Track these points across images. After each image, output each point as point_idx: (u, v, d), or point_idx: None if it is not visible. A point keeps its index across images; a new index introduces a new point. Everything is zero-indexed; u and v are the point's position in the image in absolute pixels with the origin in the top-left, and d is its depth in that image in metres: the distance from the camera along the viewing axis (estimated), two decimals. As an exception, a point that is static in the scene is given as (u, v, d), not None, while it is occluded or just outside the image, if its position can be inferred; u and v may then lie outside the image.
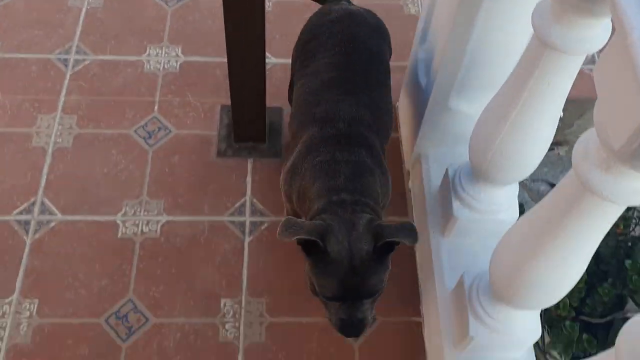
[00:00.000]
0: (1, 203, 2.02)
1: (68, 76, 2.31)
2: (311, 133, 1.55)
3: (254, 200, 2.07)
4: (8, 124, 2.19)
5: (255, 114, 2.07)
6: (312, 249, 1.34)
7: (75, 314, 1.84)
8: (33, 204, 2.03)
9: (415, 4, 2.62)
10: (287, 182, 1.60)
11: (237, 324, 1.85)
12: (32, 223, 1.99)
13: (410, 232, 1.33)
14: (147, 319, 1.84)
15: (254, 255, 1.96)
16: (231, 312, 1.86)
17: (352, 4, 1.87)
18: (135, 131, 2.20)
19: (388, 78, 1.74)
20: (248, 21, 1.68)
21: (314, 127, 1.55)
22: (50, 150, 2.14)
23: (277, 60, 2.37)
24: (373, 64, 1.68)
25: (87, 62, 2.35)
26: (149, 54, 2.39)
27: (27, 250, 1.94)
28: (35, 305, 1.84)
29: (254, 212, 2.04)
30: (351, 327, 1.38)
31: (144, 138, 2.18)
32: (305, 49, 1.75)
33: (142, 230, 1.99)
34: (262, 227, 2.02)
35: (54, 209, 2.02)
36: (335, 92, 1.59)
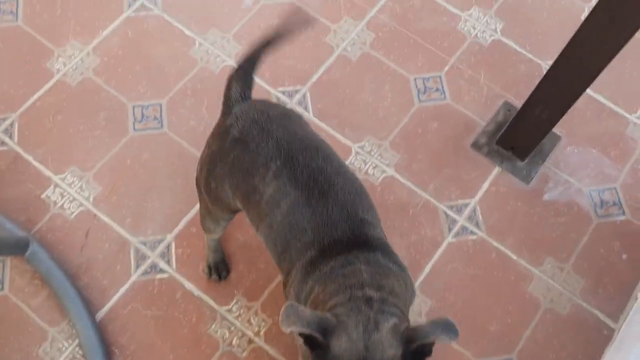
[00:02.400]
0: (274, 76, 2.15)
1: (388, -5, 2.33)
2: (310, 255, 1.28)
3: (478, 208, 1.97)
4: (316, 10, 2.29)
5: (538, 127, 1.91)
6: (316, 343, 1.11)
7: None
8: (296, 91, 2.14)
9: None
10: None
11: (394, 305, 1.84)
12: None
13: (448, 327, 1.10)
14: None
15: (446, 257, 1.90)
16: (396, 292, 1.85)
17: (244, 98, 1.47)
18: (415, 79, 2.17)
19: (339, 158, 1.42)
20: (612, 31, 1.49)
21: (311, 250, 1.29)
22: (336, 53, 2.21)
23: (590, 91, 2.15)
24: (320, 156, 1.36)
25: None
26: (471, 14, 2.30)
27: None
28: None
29: (471, 218, 1.96)
30: None
31: (418, 90, 2.15)
32: (231, 186, 1.41)
33: (367, 170, 2.02)
34: (470, 238, 1.93)
35: (310, 104, 2.11)
36: (312, 210, 1.30)
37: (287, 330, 1.07)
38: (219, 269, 1.84)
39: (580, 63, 1.61)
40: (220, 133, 1.43)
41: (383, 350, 1.09)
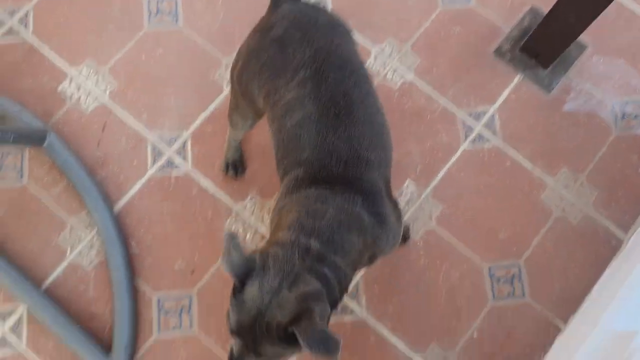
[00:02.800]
0: None
1: None
2: (297, 174, 1.27)
3: (496, 116, 1.95)
4: None
5: (565, 33, 1.84)
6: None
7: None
8: None
9: None
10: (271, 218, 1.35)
11: (406, 208, 1.86)
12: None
13: (329, 349, 1.01)
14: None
15: (460, 163, 1.90)
16: (407, 197, 1.87)
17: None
18: (439, -20, 2.09)
19: (372, 87, 1.36)
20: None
21: (300, 168, 1.27)
22: (359, -50, 2.11)
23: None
24: (352, 79, 1.31)
25: None
26: None
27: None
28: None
29: (488, 126, 1.94)
30: None
31: (443, -8, 2.08)
32: (259, 83, 1.37)
33: (385, 74, 1.98)
34: (485, 145, 1.92)
35: (329, 1, 2.04)
36: (319, 130, 1.26)
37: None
38: (236, 165, 1.86)
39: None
40: (262, 29, 1.39)
41: (281, 312, 1.07)
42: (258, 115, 1.53)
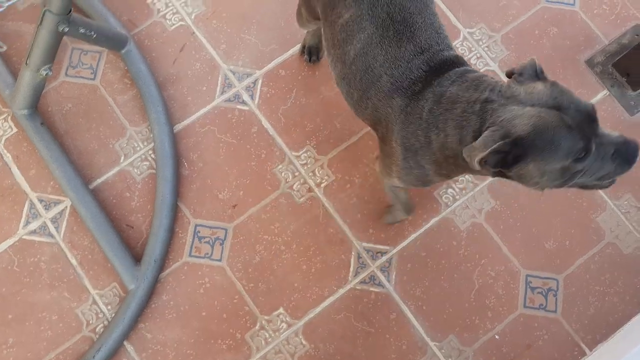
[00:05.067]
0: None
1: None
2: (397, 103, 1.27)
3: (573, 126, 1.88)
4: None
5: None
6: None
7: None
8: None
9: None
10: None
11: (457, 197, 1.82)
12: None
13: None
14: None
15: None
16: (463, 183, 1.83)
17: None
18: (547, -23, 2.02)
19: None
20: None
21: (394, 98, 1.27)
22: None
23: None
24: None
25: None
26: None
27: None
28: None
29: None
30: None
31: (547, -11, 2.00)
32: None
33: (469, 59, 1.93)
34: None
35: None
36: (383, 52, 1.27)
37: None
38: (312, 52, 1.88)
39: None
40: None
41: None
42: (316, 18, 1.52)
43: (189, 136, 1.85)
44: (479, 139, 1.08)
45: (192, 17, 1.95)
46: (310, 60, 1.89)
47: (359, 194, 1.82)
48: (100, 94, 1.88)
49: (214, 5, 1.97)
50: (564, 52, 1.95)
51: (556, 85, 1.12)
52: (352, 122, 1.87)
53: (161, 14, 1.95)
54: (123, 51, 1.84)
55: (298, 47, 1.92)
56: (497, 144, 1.06)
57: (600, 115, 1.86)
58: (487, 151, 1.06)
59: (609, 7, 1.99)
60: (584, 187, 1.20)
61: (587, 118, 1.09)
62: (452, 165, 1.23)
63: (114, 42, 1.82)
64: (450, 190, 1.83)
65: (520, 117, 1.07)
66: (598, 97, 1.91)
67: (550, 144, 1.06)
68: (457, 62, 1.27)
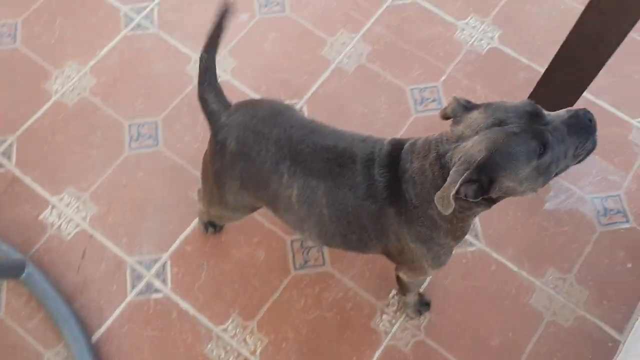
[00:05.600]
0: (269, 89, 2.14)
1: (384, 7, 2.31)
2: (385, 212, 1.35)
3: (477, 219, 1.94)
4: (313, 23, 2.28)
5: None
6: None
7: (271, 220, 1.93)
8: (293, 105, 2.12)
9: None
10: None
11: (393, 321, 1.80)
12: (283, 121, 2.09)
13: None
14: (324, 263, 1.88)
15: (445, 269, 1.87)
16: (395, 306, 1.82)
17: (225, 106, 1.45)
18: (411, 89, 2.15)
19: (331, 127, 1.42)
20: (598, 43, 1.46)
21: (380, 210, 1.34)
22: (332, 67, 2.20)
23: (587, 94, 2.11)
24: (321, 137, 1.37)
25: (407, 2, 2.31)
26: (467, 23, 2.27)
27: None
28: (247, 193, 1.97)
29: (470, 230, 1.92)
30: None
31: (415, 100, 2.13)
32: (251, 196, 1.47)
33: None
34: (469, 249, 1.89)
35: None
36: (344, 189, 1.33)
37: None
38: (211, 224, 1.88)
39: (574, 67, 1.58)
40: (217, 150, 1.41)
41: None
42: (253, 211, 1.61)
43: (110, 341, 1.78)
44: (447, 181, 1.15)
45: (87, 220, 1.94)
46: (216, 230, 1.90)
47: (297, 349, 1.77)
48: (8, 326, 1.80)
49: (107, 203, 1.97)
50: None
51: (488, 105, 1.20)
52: (271, 276, 1.85)
53: (55, 226, 1.93)
54: (23, 276, 1.79)
55: (197, 221, 1.92)
56: (464, 175, 1.12)
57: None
58: (457, 185, 1.12)
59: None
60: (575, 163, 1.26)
61: (530, 115, 1.16)
62: (460, 222, 1.30)
63: (12, 271, 1.78)
64: (384, 316, 1.81)
65: (472, 147, 1.15)
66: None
67: (509, 156, 1.13)
68: (397, 143, 1.34)
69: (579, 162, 1.25)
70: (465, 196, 1.16)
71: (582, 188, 1.98)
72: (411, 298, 1.75)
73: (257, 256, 1.88)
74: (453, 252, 1.45)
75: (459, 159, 1.16)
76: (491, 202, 1.24)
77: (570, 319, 1.80)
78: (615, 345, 1.76)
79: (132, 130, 2.08)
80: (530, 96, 1.71)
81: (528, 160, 1.13)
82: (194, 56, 2.20)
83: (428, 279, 1.79)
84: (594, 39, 1.48)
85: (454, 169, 1.15)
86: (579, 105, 1.73)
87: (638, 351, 1.62)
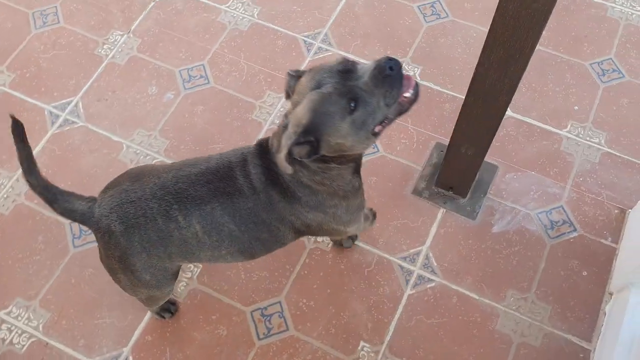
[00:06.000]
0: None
1: (307, 62, 2.35)
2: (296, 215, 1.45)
3: (430, 254, 1.95)
4: (238, 90, 2.30)
5: (469, 164, 1.91)
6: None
7: (228, 294, 1.91)
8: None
9: None
10: None
11: (365, 374, 1.78)
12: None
13: None
14: (287, 328, 1.85)
15: (408, 311, 1.86)
16: (365, 359, 1.80)
17: (89, 201, 1.43)
18: (345, 138, 2.17)
19: (201, 159, 1.48)
20: (508, 67, 1.50)
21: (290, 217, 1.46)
22: (264, 128, 2.21)
23: (514, 114, 2.17)
24: (197, 172, 1.43)
25: (328, 54, 2.36)
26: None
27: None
28: (198, 271, 1.95)
29: (426, 266, 1.93)
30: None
31: (350, 148, 2.15)
32: (167, 257, 1.46)
33: (315, 239, 1.99)
34: (428, 286, 1.90)
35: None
36: (239, 204, 1.40)
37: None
38: (165, 309, 1.86)
39: (487, 96, 1.62)
40: (108, 241, 1.39)
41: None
42: (175, 273, 1.59)
43: None
44: (280, 145, 1.26)
45: (40, 328, 1.88)
46: (172, 315, 1.87)
47: (273, 421, 1.72)
48: None
49: (58, 307, 1.91)
50: (391, 193, 2.06)
51: (311, 70, 1.27)
52: (237, 353, 1.81)
53: (7, 341, 1.86)
54: (-22, 401, 1.71)
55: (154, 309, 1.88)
56: (292, 139, 1.22)
57: (448, 230, 1.97)
58: (286, 148, 1.23)
59: (407, 139, 2.16)
60: (400, 114, 1.29)
61: (342, 74, 1.23)
62: (333, 181, 1.39)
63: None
64: (356, 369, 1.79)
65: (299, 112, 1.24)
66: (438, 217, 2.01)
67: (325, 115, 1.21)
68: (264, 139, 1.42)
69: (402, 113, 1.29)
70: (300, 157, 1.25)
71: (525, 205, 2.02)
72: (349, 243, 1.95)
73: (219, 333, 1.85)
74: (363, 209, 1.57)
75: (290, 125, 1.25)
76: (332, 160, 1.33)
77: (539, 337, 1.81)
78: (586, 355, 1.77)
79: (73, 227, 2.04)
80: (456, 125, 1.74)
81: (342, 117, 1.21)
82: (125, 142, 2.19)
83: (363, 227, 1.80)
84: (501, 62, 1.53)
85: (285, 134, 1.25)
86: (507, 125, 1.78)
87: (608, 356, 1.63)
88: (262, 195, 1.38)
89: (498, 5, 1.37)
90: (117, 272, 1.47)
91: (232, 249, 1.45)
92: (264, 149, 1.40)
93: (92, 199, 1.42)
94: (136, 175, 1.42)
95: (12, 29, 2.44)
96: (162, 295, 1.64)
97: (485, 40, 1.46)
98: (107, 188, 1.43)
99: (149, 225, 1.36)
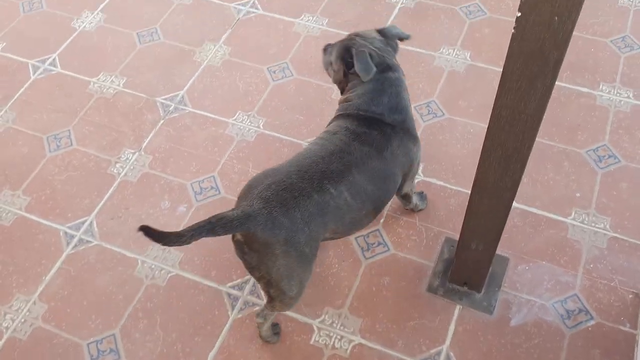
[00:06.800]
0: (220, 271, 2.17)
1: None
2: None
3: (451, 353, 1.94)
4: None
5: (480, 259, 1.94)
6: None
7: None
8: (246, 282, 2.14)
9: None
10: None
11: None
12: (240, 301, 2.10)
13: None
14: None
15: (434, 413, 1.83)
16: None
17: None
18: (356, 239, 2.21)
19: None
20: (508, 166, 1.56)
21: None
22: (275, 234, 2.25)
23: (519, 205, 2.22)
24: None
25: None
26: (390, 164, 2.41)
27: (227, 325, 2.04)
28: None
29: (448, 365, 1.92)
30: None
31: (362, 248, 2.19)
32: (327, 231, 1.76)
33: (333, 344, 1.98)
34: (452, 386, 1.88)
35: (262, 294, 2.11)
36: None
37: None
38: (275, 330, 2.00)
39: (492, 193, 1.67)
40: (272, 228, 1.57)
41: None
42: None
43: None
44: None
45: None
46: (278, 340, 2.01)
47: None
48: None
49: None
50: (405, 292, 2.08)
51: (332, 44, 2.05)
52: None
53: None
54: None
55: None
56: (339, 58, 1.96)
57: (467, 327, 1.97)
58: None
59: (416, 236, 2.20)
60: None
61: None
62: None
63: None
64: None
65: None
66: (455, 315, 2.01)
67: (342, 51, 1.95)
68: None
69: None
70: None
71: (540, 296, 2.03)
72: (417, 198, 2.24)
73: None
74: None
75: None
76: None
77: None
78: None
79: (91, 349, 2.03)
80: (464, 223, 1.79)
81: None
82: (140, 258, 2.23)
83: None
84: (501, 161, 1.59)
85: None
86: (513, 216, 1.82)
87: None
88: (385, 153, 1.78)
89: (492, 112, 1.45)
90: (276, 260, 1.62)
91: (370, 207, 1.79)
92: (356, 117, 1.82)
93: (239, 206, 1.62)
94: (265, 176, 1.69)
95: (28, 154, 2.54)
96: (310, 273, 1.75)
97: (484, 143, 1.54)
98: (247, 193, 1.66)
99: (307, 201, 1.63)
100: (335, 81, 2.03)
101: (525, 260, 2.11)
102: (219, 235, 1.54)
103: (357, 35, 1.97)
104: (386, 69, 1.89)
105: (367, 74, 1.84)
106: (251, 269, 1.68)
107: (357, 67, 1.85)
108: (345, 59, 1.92)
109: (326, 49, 2.06)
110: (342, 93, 1.99)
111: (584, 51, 2.73)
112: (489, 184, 1.65)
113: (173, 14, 3.07)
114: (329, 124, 1.92)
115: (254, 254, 1.63)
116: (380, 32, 1.98)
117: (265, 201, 1.59)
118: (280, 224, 1.58)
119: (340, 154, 1.73)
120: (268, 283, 1.69)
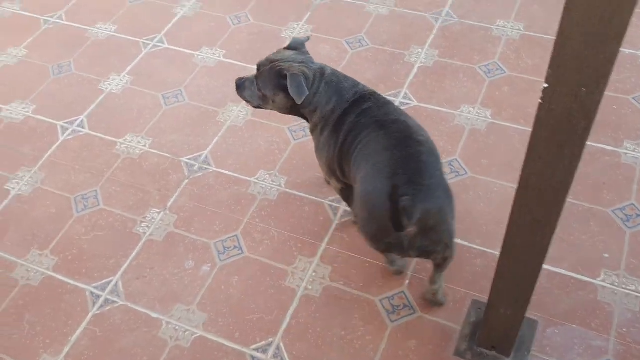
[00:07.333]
0: (244, 333, 2.15)
1: (334, 225, 2.43)
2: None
3: (481, 421, 1.89)
4: (271, 257, 2.36)
5: (509, 322, 1.90)
6: None
7: None
8: (270, 344, 2.12)
9: None
10: None
11: None
12: (264, 364, 2.08)
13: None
14: None
15: None
16: None
17: None
18: (381, 301, 2.19)
19: None
20: (537, 232, 1.55)
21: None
22: (299, 295, 2.24)
23: (546, 266, 2.19)
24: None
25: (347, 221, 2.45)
26: (414, 224, 2.40)
27: (252, 390, 2.02)
28: None
29: None
30: None
31: (387, 311, 2.16)
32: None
33: None
34: None
35: (286, 356, 2.08)
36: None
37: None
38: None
39: (521, 258, 1.66)
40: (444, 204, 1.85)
41: None
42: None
43: None
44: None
45: None
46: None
47: None
48: None
49: None
50: (432, 357, 2.04)
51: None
52: None
53: None
54: None
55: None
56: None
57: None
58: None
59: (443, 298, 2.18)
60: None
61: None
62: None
63: None
64: None
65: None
66: (484, 380, 1.97)
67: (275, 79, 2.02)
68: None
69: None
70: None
71: (572, 361, 1.98)
72: None
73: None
74: None
75: None
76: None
77: None
78: None
79: (114, 413, 2.02)
80: (493, 287, 1.77)
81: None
82: (164, 319, 2.22)
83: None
84: (530, 227, 1.58)
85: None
86: (541, 277, 1.79)
87: None
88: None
89: (520, 179, 1.45)
90: (447, 219, 1.86)
91: None
92: (349, 113, 1.99)
93: (399, 195, 1.70)
94: (379, 185, 1.80)
95: (56, 214, 2.58)
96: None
97: (512, 209, 1.54)
98: (382, 204, 1.75)
99: (419, 161, 1.83)
100: (282, 110, 2.10)
101: (554, 323, 2.07)
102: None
103: (274, 60, 2.03)
104: (320, 71, 2.03)
105: (300, 96, 1.92)
106: (428, 251, 1.87)
107: (291, 91, 1.92)
108: (283, 85, 1.97)
109: (240, 85, 2.12)
110: (300, 116, 2.12)
111: (606, 109, 2.74)
112: (518, 249, 1.63)
113: (197, 77, 3.15)
114: (320, 145, 2.10)
115: (431, 232, 1.80)
116: (289, 48, 2.11)
117: (411, 183, 1.74)
118: (431, 191, 1.78)
119: (409, 139, 1.87)
120: (446, 247, 1.89)
